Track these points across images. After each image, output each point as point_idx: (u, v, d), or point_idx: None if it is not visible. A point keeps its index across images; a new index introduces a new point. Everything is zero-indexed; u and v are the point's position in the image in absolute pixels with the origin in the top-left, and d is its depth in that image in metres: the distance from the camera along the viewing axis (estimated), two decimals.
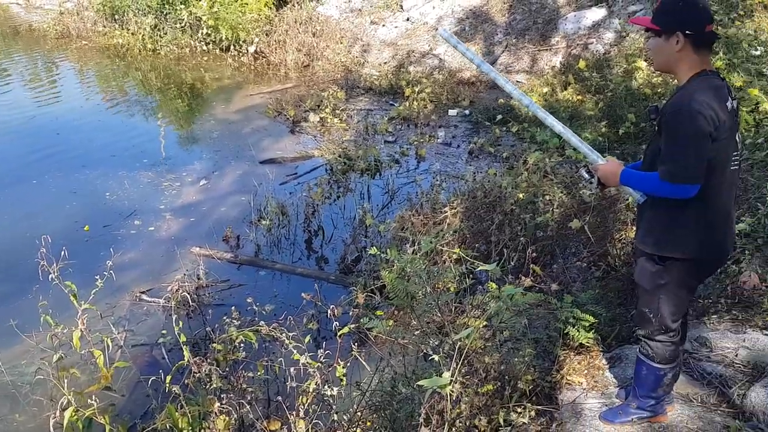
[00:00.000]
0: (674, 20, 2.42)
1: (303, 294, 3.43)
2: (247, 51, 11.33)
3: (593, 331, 3.59)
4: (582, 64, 8.28)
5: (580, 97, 7.84)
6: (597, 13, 9.29)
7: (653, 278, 2.63)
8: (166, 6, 12.02)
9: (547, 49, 9.50)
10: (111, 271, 3.79)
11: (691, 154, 2.35)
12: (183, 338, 3.23)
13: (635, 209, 2.84)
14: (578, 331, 3.53)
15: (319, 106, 8.90)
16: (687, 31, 2.40)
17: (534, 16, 10.00)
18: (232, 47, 11.44)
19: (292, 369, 2.94)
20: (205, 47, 11.77)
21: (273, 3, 11.71)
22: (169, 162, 7.33)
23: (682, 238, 2.53)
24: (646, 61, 7.64)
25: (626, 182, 2.60)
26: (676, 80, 2.57)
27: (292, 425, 2.72)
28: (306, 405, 2.85)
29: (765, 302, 3.65)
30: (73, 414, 2.71)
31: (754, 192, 4.50)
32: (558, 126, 2.80)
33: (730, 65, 6.91)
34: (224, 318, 3.63)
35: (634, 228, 2.88)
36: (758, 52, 7.09)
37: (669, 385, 2.87)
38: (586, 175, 2.76)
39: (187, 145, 8.25)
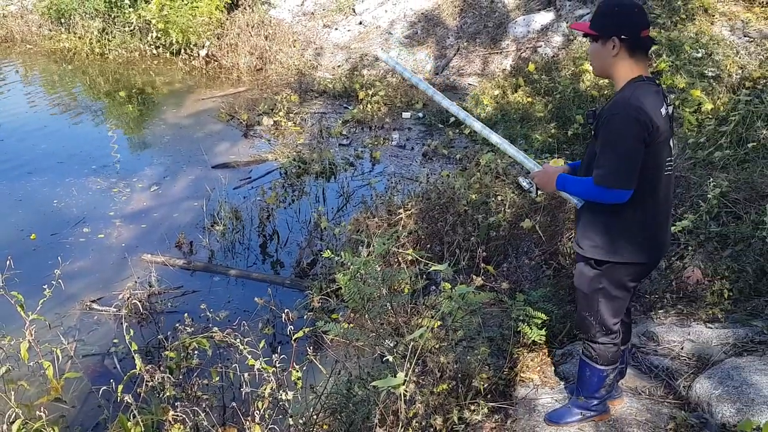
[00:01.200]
0: (610, 25, 2.47)
1: (257, 299, 3.41)
2: (199, 54, 11.18)
3: (545, 328, 3.66)
4: (531, 67, 8.45)
5: (530, 99, 7.99)
6: (545, 17, 9.50)
7: (591, 282, 2.69)
8: (114, 9, 11.77)
9: (497, 53, 9.66)
10: (59, 280, 3.70)
11: (624, 160, 2.39)
12: (134, 347, 3.18)
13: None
14: (531, 328, 3.60)
15: (272, 109, 8.85)
16: (623, 36, 2.44)
17: (485, 20, 10.16)
18: (182, 51, 11.27)
19: (246, 374, 2.91)
20: (155, 51, 11.56)
21: (224, 6, 11.58)
22: (119, 168, 7.18)
23: (619, 243, 2.57)
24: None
25: (562, 188, 2.64)
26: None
27: (248, 431, 2.70)
28: (262, 410, 2.84)
29: (708, 296, 3.79)
30: (21, 427, 2.64)
31: (696, 190, 4.67)
32: (494, 137, 2.87)
33: (673, 67, 7.15)
34: (177, 325, 3.58)
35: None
36: (699, 55, 7.36)
37: (611, 385, 2.94)
38: (525, 184, 2.82)
39: (137, 151, 8.09)
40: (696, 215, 4.33)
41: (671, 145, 2.56)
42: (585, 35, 2.62)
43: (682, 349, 3.52)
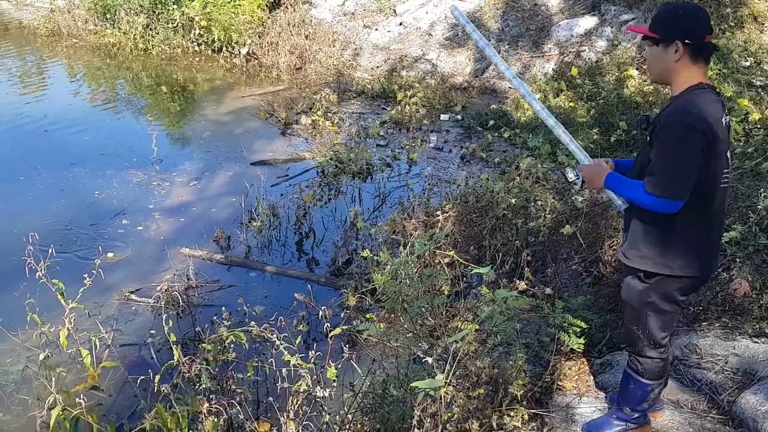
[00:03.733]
0: (674, 28, 2.40)
1: (296, 294, 3.40)
2: (240, 52, 11.29)
3: (584, 336, 3.59)
4: (574, 71, 8.32)
5: (572, 104, 7.87)
6: (589, 21, 9.35)
7: (640, 296, 2.61)
8: (159, 6, 11.94)
9: (539, 56, 9.54)
10: (99, 270, 3.75)
11: (680, 169, 2.31)
12: (173, 338, 3.20)
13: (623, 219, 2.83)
14: (570, 336, 3.53)
15: (311, 108, 8.88)
16: (686, 41, 2.37)
17: (527, 23, 10.04)
18: (224, 48, 11.39)
19: (283, 370, 2.91)
20: (197, 48, 11.70)
21: (266, 5, 11.68)
22: (159, 162, 7.27)
23: (670, 255, 2.49)
24: (637, 69, 7.69)
25: (611, 186, 2.56)
26: (669, 90, 2.56)
27: (283, 426, 2.69)
28: (296, 406, 2.83)
29: (755, 310, 3.67)
30: (60, 413, 2.67)
31: (745, 200, 4.53)
32: (551, 120, 2.77)
33: (720, 75, 6.97)
34: (214, 318, 3.59)
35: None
36: (748, 63, 7.17)
37: (655, 399, 2.86)
38: (571, 176, 2.76)
39: (177, 146, 8.20)
40: (744, 226, 4.20)
41: (728, 156, 2.46)
42: (645, 38, 2.54)
43: (726, 363, 3.41)
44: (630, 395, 2.82)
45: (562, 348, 3.59)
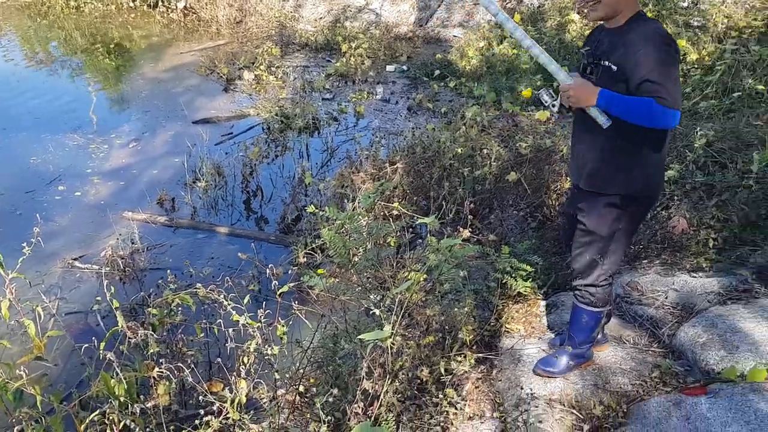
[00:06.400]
0: None
1: (240, 254, 3.36)
2: (176, 7, 10.88)
3: (530, 280, 3.66)
4: (517, 17, 8.29)
5: (515, 51, 7.86)
6: None
7: (613, 224, 2.63)
8: None
9: None
10: (39, 238, 3.61)
11: (677, 80, 2.34)
12: (116, 304, 3.13)
13: (571, 159, 2.82)
14: (516, 280, 3.60)
15: (253, 63, 8.66)
16: None
17: None
18: (160, 3, 10.96)
19: (231, 330, 2.89)
20: (132, 3, 11.24)
21: None
22: (97, 124, 7.01)
23: (645, 176, 2.53)
24: (578, 14, 7.71)
25: (606, 102, 2.44)
26: (607, 24, 2.53)
27: (233, 386, 2.69)
28: (247, 365, 2.82)
29: (692, 246, 3.79)
30: (2, 386, 2.60)
31: (682, 140, 4.64)
32: (528, 41, 2.61)
33: (658, 17, 7.04)
34: (160, 282, 3.52)
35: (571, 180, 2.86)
36: (686, 4, 7.25)
37: (603, 326, 2.97)
38: (547, 98, 2.66)
39: (115, 106, 7.90)
40: (682, 165, 4.31)
41: None
42: None
43: (666, 298, 3.53)
44: (584, 327, 2.89)
45: (509, 292, 3.66)
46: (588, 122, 2.54)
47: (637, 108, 2.37)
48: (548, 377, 3.01)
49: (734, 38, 6.46)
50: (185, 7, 10.87)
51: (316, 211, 3.45)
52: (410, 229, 3.92)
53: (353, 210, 3.23)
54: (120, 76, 8.90)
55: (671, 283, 3.62)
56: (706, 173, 4.18)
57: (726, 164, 4.19)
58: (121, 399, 2.75)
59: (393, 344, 2.38)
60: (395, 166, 5.00)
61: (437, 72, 8.07)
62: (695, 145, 4.31)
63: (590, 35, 2.72)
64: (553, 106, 2.63)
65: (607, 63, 2.45)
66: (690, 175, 4.24)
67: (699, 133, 4.41)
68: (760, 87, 5.27)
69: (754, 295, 3.33)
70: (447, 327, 3.20)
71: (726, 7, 7.30)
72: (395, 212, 4.29)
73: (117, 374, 2.61)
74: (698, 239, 3.77)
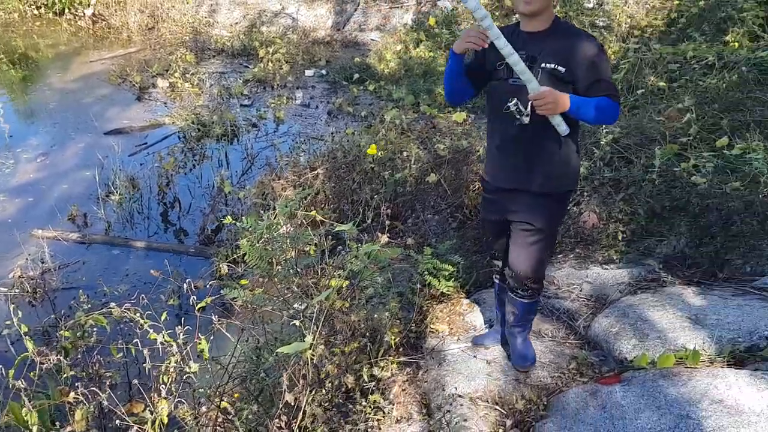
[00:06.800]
0: None
1: (152, 271, 3.25)
2: (84, 14, 10.44)
3: (453, 279, 3.72)
4: (432, 21, 8.41)
5: (432, 54, 7.99)
6: None
7: (560, 219, 2.76)
8: None
9: (398, 7, 9.55)
10: None
11: None
12: (24, 328, 2.96)
13: (505, 165, 2.73)
14: (439, 280, 3.65)
15: (167, 70, 8.43)
16: None
17: None
18: (66, 10, 10.49)
19: (146, 350, 2.79)
20: (36, 11, 10.70)
21: None
22: (1, 138, 6.63)
23: (577, 169, 2.69)
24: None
25: (576, 107, 2.43)
26: (530, 25, 2.50)
27: (153, 406, 2.60)
28: (168, 384, 2.73)
29: (603, 239, 3.96)
30: None
31: (590, 137, 4.82)
32: (508, 47, 2.41)
33: (566, 17, 7.31)
34: (72, 302, 3.37)
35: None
36: (591, 5, 7.56)
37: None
38: (521, 109, 2.47)
39: (21, 119, 7.51)
40: (590, 161, 4.49)
41: None
42: None
43: (581, 291, 3.66)
44: (531, 315, 3.00)
45: (433, 292, 3.71)
46: (535, 127, 2.52)
47: (600, 109, 2.44)
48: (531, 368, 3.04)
49: (637, 37, 6.79)
50: (94, 14, 10.47)
51: (233, 222, 3.38)
52: (330, 237, 3.90)
53: (274, 219, 3.19)
54: (26, 88, 8.47)
55: (585, 276, 3.76)
56: (613, 169, 4.36)
57: (632, 159, 4.39)
58: (35, 429, 2.61)
59: (313, 355, 2.36)
60: (316, 172, 4.98)
61: (356, 76, 8.08)
62: (602, 142, 4.49)
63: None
64: (527, 116, 2.49)
65: (551, 65, 2.44)
66: (598, 171, 4.41)
67: (605, 130, 4.60)
68: (662, 84, 5.55)
69: (661, 284, 3.50)
70: (372, 332, 3.21)
71: (628, 7, 7.65)
72: (319, 219, 4.27)
73: (31, 401, 2.47)
74: (608, 233, 3.94)
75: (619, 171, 4.31)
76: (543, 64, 2.45)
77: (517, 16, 2.63)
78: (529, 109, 2.46)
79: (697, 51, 5.81)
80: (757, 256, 3.39)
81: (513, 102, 2.47)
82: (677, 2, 7.30)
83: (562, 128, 2.48)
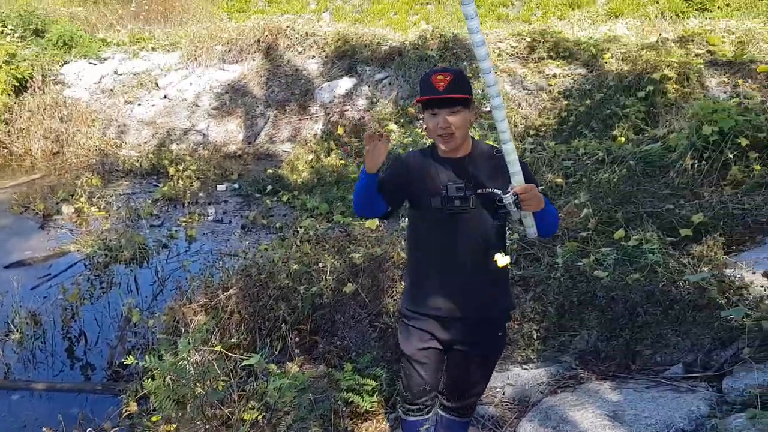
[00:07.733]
0: (469, 87, 2.46)
1: (44, 429, 3.00)
2: None
3: (376, 393, 3.63)
4: (341, 130, 8.70)
5: (343, 161, 8.18)
6: (348, 82, 9.87)
7: (505, 338, 2.75)
8: None
9: (307, 118, 9.83)
10: None
11: None
12: None
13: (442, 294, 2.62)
14: (362, 397, 3.55)
15: (72, 195, 8.21)
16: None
17: (291, 88, 10.32)
18: None
19: None
20: None
21: (10, 90, 10.63)
22: None
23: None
24: (395, 123, 8.23)
25: (546, 205, 2.40)
26: (451, 153, 2.48)
27: None
28: None
29: (520, 339, 4.00)
30: None
31: None
32: (505, 134, 2.29)
33: None
34: None
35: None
36: (488, 109, 8.01)
37: None
38: (511, 198, 2.30)
39: None
40: None
41: None
42: (453, 104, 2.39)
43: (504, 394, 3.65)
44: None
45: (358, 410, 3.60)
46: (475, 248, 2.48)
47: (553, 213, 2.51)
48: None
49: (532, 137, 7.21)
50: None
51: (133, 361, 3.21)
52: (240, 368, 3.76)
53: (179, 355, 3.05)
54: None
55: (507, 378, 3.76)
56: (521, 267, 4.49)
57: (538, 257, 4.53)
58: None
59: None
60: (229, 293, 4.86)
61: (270, 187, 8.13)
62: (507, 242, 4.63)
63: (416, 168, 2.61)
64: (512, 210, 2.33)
65: (489, 189, 2.40)
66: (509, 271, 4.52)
67: (508, 230, 4.76)
68: (559, 180, 5.86)
69: (579, 381, 3.54)
70: None
71: (522, 109, 8.17)
72: (233, 344, 4.13)
73: None
74: (523, 332, 3.99)
75: (527, 269, 4.43)
76: (483, 190, 2.42)
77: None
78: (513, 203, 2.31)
79: (588, 147, 6.22)
80: (664, 346, 3.50)
81: (508, 195, 2.30)
82: (566, 102, 7.86)
83: (532, 231, 2.42)
